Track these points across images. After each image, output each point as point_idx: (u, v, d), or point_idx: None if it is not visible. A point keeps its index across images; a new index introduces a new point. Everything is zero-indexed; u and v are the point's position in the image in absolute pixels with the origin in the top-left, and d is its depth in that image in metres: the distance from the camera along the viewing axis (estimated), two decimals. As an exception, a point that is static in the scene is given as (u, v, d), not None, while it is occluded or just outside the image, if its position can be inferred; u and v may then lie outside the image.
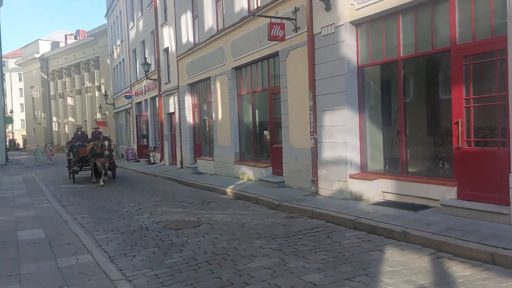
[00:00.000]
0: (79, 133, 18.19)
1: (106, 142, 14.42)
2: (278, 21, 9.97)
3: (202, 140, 17.44)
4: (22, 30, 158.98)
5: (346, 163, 8.44)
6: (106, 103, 35.23)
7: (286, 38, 10.08)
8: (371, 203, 7.86)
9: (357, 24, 8.41)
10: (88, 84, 48.30)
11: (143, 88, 24.86)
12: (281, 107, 10.91)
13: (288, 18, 9.95)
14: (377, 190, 7.99)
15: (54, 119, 55.77)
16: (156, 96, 22.54)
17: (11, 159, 31.79)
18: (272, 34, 9.82)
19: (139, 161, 24.27)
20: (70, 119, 52.19)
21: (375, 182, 7.99)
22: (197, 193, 11.84)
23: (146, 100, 24.93)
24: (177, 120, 19.21)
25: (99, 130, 18.67)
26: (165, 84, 20.56)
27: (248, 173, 12.83)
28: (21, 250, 6.05)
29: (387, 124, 8.71)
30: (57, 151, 43.81)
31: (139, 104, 27.34)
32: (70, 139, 18.74)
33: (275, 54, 11.18)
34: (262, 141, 13.02)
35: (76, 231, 7.28)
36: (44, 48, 56.07)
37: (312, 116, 9.26)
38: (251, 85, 12.92)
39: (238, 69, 13.58)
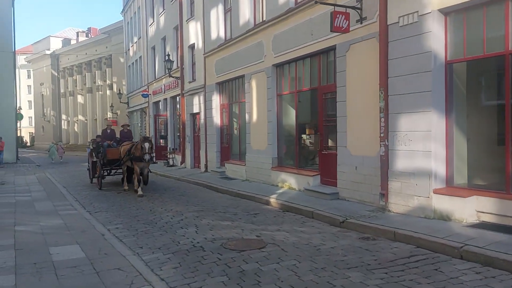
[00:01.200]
0: (109, 130, 15.27)
1: (147, 144, 11.65)
2: (342, 9, 8.76)
3: (231, 143, 16.24)
4: (33, 27, 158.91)
5: (429, 176, 7.20)
6: (120, 102, 34.12)
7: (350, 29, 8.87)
8: (466, 224, 6.60)
9: (446, 12, 7.19)
10: (99, 83, 47.30)
11: (163, 87, 23.72)
12: (337, 108, 9.69)
13: (352, 7, 8.75)
14: (471, 209, 6.74)
15: (64, 117, 54.78)
16: (178, 95, 21.41)
17: (21, 157, 30.73)
18: (335, 25, 8.61)
19: (157, 162, 23.07)
20: (80, 117, 51.19)
21: (469, 199, 6.74)
22: (234, 202, 10.63)
23: (165, 99, 23.79)
24: (202, 121, 18.04)
25: (129, 127, 15.96)
26: (189, 82, 19.41)
27: (289, 181, 11.61)
28: (61, 277, 4.86)
29: (474, 130, 7.49)
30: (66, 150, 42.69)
31: (156, 103, 26.21)
32: (95, 137, 15.81)
33: (330, 49, 9.99)
34: (306, 146, 11.81)
35: (120, 249, 6.09)
36: (55, 45, 55.13)
37: (383, 119, 8.03)
38: (296, 83, 11.72)
39: (279, 66, 12.39)
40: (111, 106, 41.50)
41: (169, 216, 8.99)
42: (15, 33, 27.26)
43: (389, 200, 8.00)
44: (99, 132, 18.79)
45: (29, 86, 66.90)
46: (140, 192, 11.91)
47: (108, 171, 14.43)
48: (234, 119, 16.01)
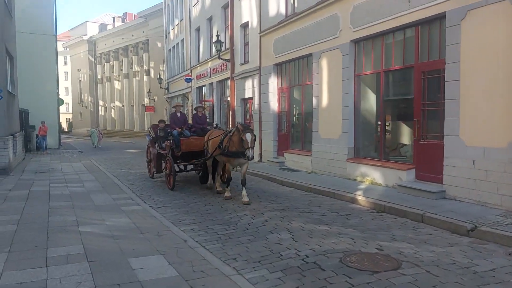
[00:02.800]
0: (178, 114, 11.93)
1: (249, 136, 8.55)
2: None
3: (291, 130, 14.79)
4: (69, 13, 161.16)
5: None
6: (160, 87, 33.19)
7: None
8: None
9: None
10: (136, 68, 46.62)
11: (208, 71, 22.45)
12: (445, 90, 8.06)
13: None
14: None
15: (101, 103, 54.69)
16: (226, 79, 20.09)
17: (62, 142, 30.32)
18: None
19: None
20: (117, 103, 50.88)
21: None
22: (312, 199, 9.20)
23: (211, 83, 22.53)
24: (255, 106, 16.65)
25: (204, 111, 13.00)
26: (240, 65, 18.00)
27: (372, 175, 10.09)
28: (162, 311, 3.59)
29: None
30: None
31: (200, 88, 25.03)
32: (158, 123, 12.78)
33: (436, 18, 8.33)
34: (395, 134, 10.23)
35: (217, 264, 4.79)
36: (92, 30, 54.84)
37: (523, 102, 6.40)
38: (382, 61, 10.10)
39: (359, 42, 10.79)
40: (149, 92, 40.83)
41: (248, 215, 7.68)
42: (56, 16, 26.54)
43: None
44: (152, 122, 17.40)
45: (66, 73, 67.20)
46: (245, 198, 8.74)
47: (184, 167, 12.05)
48: (295, 105, 14.54)
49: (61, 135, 29.97)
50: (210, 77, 22.41)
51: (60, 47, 64.89)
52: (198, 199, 9.48)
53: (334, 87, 11.56)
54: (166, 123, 13.25)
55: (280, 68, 15.11)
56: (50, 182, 11.65)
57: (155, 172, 12.44)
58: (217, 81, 21.66)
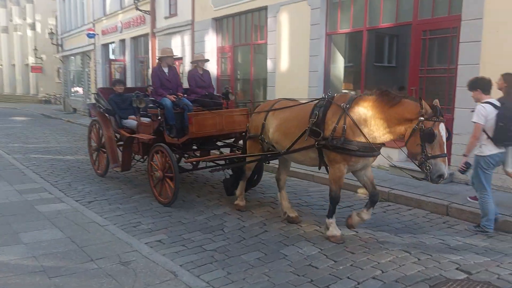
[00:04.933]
0: (166, 69, 6.85)
1: (443, 128, 3.99)
2: None
3: (236, 99, 12.63)
4: None
5: None
6: (52, 43, 28.04)
7: None
8: None
9: None
10: (17, 21, 39.36)
11: (119, 25, 18.90)
12: (460, 53, 6.70)
13: None
14: None
15: (-29, 60, 45.73)
16: (144, 35, 16.99)
17: None
18: None
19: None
20: (-7, 62, 42.94)
21: None
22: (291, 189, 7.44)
23: (122, 40, 19.05)
24: (186, 68, 14.12)
25: (205, 67, 7.63)
26: (165, 18, 15.11)
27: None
28: None
29: None
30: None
31: (106, 46, 21.26)
32: (112, 85, 8.13)
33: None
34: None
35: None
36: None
37: None
38: (365, 17, 8.43)
39: (333, -7, 9.02)
40: (35, 49, 34.86)
41: (231, 214, 5.62)
42: None
43: None
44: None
45: None
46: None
47: (196, 162, 6.71)
48: (241, 68, 12.41)
49: None
50: (121, 32, 18.92)
51: None
52: (141, 187, 7.08)
53: (299, 48, 9.70)
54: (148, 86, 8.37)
55: (220, 23, 12.74)
56: None
57: (116, 167, 7.36)
58: (131, 38, 18.31)
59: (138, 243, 4.44)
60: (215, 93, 7.71)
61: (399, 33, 8.30)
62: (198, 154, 7.16)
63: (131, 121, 7.33)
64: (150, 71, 7.34)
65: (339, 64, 9.55)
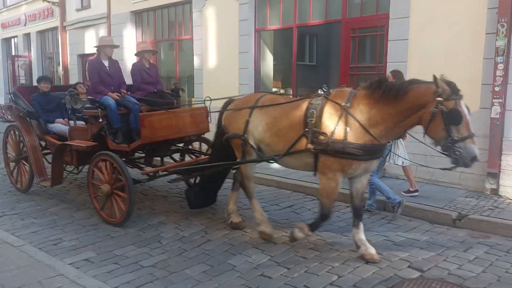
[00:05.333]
0: (106, 62, 5.74)
1: (464, 105, 3.56)
2: None
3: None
4: None
5: None
6: None
7: None
8: None
9: None
10: None
11: (23, 17, 17.04)
12: (389, 51, 6.86)
13: None
14: None
15: None
16: (52, 29, 15.51)
17: None
18: None
19: (17, 122, 16.81)
20: None
21: None
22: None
23: (27, 34, 17.21)
24: (103, 65, 13.07)
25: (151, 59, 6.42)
26: (77, 11, 13.88)
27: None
28: None
29: None
30: None
31: (7, 40, 19.13)
32: (38, 82, 6.72)
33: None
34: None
35: None
36: None
37: (501, 65, 5.58)
38: (294, 14, 8.34)
39: (262, -12, 8.82)
40: None
41: (166, 223, 5.12)
42: None
43: (500, 182, 5.74)
44: None
45: None
46: (370, 249, 4.02)
47: (154, 172, 5.56)
48: (164, 64, 11.73)
49: None
50: (25, 25, 17.09)
51: None
52: (57, 197, 6.26)
53: (227, 44, 9.38)
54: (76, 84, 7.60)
55: (140, 17, 11.96)
56: None
57: (42, 181, 6.11)
58: (37, 32, 16.61)
59: (62, 265, 3.81)
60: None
61: (329, 31, 8.34)
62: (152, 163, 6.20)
63: (59, 126, 6.28)
64: (87, 64, 6.03)
65: (269, 61, 9.40)
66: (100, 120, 5.28)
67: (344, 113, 3.81)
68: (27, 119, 6.46)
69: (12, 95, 6.81)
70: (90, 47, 13.52)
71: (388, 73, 5.72)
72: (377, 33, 7.19)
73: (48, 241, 4.55)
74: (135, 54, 6.38)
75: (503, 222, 4.86)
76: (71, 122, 6.02)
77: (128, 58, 12.09)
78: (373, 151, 3.85)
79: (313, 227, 4.16)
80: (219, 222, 5.09)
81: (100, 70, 5.60)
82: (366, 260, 3.94)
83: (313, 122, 3.90)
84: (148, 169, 5.69)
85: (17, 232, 4.76)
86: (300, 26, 8.36)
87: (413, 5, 6.53)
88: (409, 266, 3.85)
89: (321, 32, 9.49)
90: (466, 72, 5.96)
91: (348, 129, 3.75)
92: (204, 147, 6.18)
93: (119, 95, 5.48)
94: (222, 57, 9.54)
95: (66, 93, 6.23)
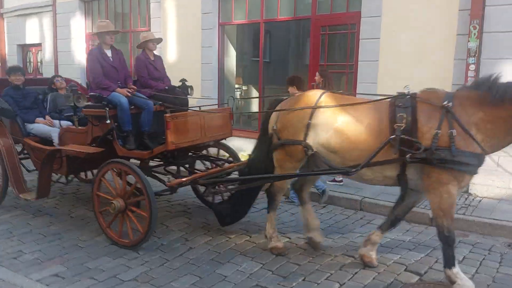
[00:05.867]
0: (109, 52, 4.88)
1: None
2: None
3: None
4: None
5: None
6: None
7: None
8: None
9: None
10: None
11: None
12: (360, 50, 6.84)
13: None
14: None
15: None
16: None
17: None
18: None
19: None
20: None
21: None
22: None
23: (-45, 20, 15.54)
24: (46, 56, 12.08)
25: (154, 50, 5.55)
26: (16, -4, 12.73)
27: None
28: None
29: None
30: None
31: None
32: (8, 74, 5.57)
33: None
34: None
35: None
36: None
37: (474, 66, 5.72)
38: (261, 8, 8.09)
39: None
40: None
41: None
42: None
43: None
44: None
45: None
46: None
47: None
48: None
49: None
50: (-48, 10, 15.42)
51: None
52: (9, 201, 5.57)
53: (189, 38, 8.95)
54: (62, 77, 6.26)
55: (89, 5, 11.15)
56: None
57: (23, 193, 5.06)
58: (-33, 18, 15.04)
59: (29, 283, 3.32)
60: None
61: (297, 27, 8.20)
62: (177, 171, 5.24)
63: (41, 126, 5.32)
64: (87, 55, 5.26)
65: (233, 57, 9.11)
66: (108, 121, 4.45)
67: (447, 115, 3.18)
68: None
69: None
70: (32, 37, 12.46)
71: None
72: (348, 31, 7.15)
73: (7, 255, 3.99)
74: (138, 47, 5.46)
75: (480, 220, 4.97)
76: (64, 123, 5.20)
77: (75, 50, 11.29)
78: (482, 161, 3.22)
79: (449, 262, 3.29)
80: (198, 227, 4.76)
81: (104, 62, 4.71)
82: (364, 262, 3.81)
83: (402, 127, 3.25)
84: (173, 180, 4.47)
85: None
86: (267, 21, 8.14)
87: (385, 4, 6.54)
88: (406, 270, 3.77)
89: (288, 29, 9.34)
90: (437, 72, 6.10)
91: (454, 133, 3.11)
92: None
93: (129, 91, 4.69)
94: (184, 52, 9.10)
95: (45, 88, 5.57)
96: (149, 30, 9.60)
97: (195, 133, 4.62)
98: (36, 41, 12.37)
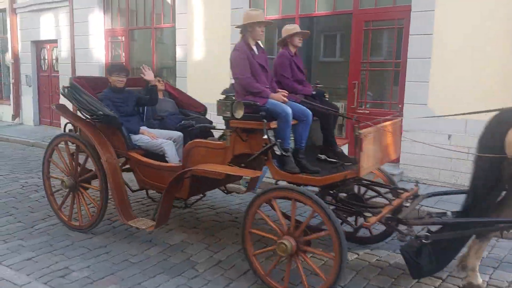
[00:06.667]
0: (255, 48, 3.94)
1: None
2: None
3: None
4: None
5: None
6: None
7: None
8: None
9: None
10: None
11: (-40, -4, 14.94)
12: (409, 46, 6.40)
13: None
14: None
15: None
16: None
17: None
18: None
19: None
20: None
21: None
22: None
23: (-35, 16, 15.14)
24: (62, 54, 11.66)
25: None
26: (30, -9, 12.31)
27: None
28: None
29: None
30: None
31: None
32: (108, 73, 4.62)
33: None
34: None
35: None
36: None
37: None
38: (297, 2, 7.69)
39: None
40: None
41: (197, 247, 4.28)
42: None
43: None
44: None
45: None
46: None
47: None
48: (139, 55, 10.57)
49: None
50: (-37, 6, 15.01)
51: None
52: (42, 209, 5.16)
53: (217, 34, 8.52)
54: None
55: (109, 1, 10.72)
56: None
57: (136, 222, 4.15)
58: (-22, 14, 14.63)
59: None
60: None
61: (337, 23, 7.79)
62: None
63: (147, 139, 4.41)
64: (232, 53, 3.89)
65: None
66: (265, 136, 3.52)
67: None
68: (93, 124, 4.50)
69: (68, 88, 4.53)
70: (47, 33, 12.04)
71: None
72: (395, 26, 6.72)
73: (52, 273, 3.58)
74: (278, 43, 4.59)
75: None
76: (174, 133, 4.48)
77: (94, 47, 10.87)
78: None
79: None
80: (255, 240, 4.34)
81: (253, 61, 3.78)
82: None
83: None
84: (371, 217, 3.27)
85: (7, 261, 3.72)
86: (303, 16, 7.71)
87: (438, -2, 6.12)
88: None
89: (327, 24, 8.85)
90: (499, 70, 5.68)
91: None
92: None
93: (285, 95, 3.78)
94: (211, 49, 8.67)
95: (141, 89, 4.63)
96: (174, 26, 9.22)
97: (379, 154, 3.53)
98: (51, 37, 11.94)
